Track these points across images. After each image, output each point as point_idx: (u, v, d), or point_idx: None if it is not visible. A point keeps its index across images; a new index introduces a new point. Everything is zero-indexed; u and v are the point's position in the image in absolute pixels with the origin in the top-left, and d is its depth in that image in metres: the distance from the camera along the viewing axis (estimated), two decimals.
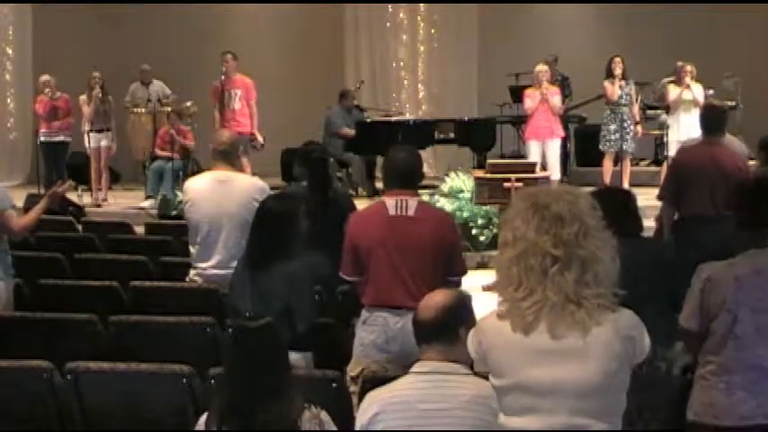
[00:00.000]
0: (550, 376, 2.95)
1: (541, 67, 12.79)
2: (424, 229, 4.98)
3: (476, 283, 9.30)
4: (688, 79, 12.62)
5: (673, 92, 12.73)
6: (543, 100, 12.52)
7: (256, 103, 13.31)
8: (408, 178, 5.11)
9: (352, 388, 4.74)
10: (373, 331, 5.00)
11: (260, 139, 12.97)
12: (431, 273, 4.94)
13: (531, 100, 12.65)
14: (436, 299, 3.71)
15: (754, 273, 4.14)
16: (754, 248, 4.22)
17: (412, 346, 4.82)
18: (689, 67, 12.68)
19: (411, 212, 5.00)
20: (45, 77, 13.80)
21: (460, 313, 3.61)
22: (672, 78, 12.98)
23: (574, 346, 2.95)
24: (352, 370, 4.98)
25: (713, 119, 7.47)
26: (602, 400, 2.98)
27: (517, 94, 14.73)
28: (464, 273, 5.12)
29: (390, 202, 5.04)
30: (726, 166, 7.16)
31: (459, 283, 5.03)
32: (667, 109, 13.05)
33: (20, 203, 7.36)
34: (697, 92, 12.51)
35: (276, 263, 5.09)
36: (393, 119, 14.55)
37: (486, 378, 3.50)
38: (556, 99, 12.66)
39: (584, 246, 2.98)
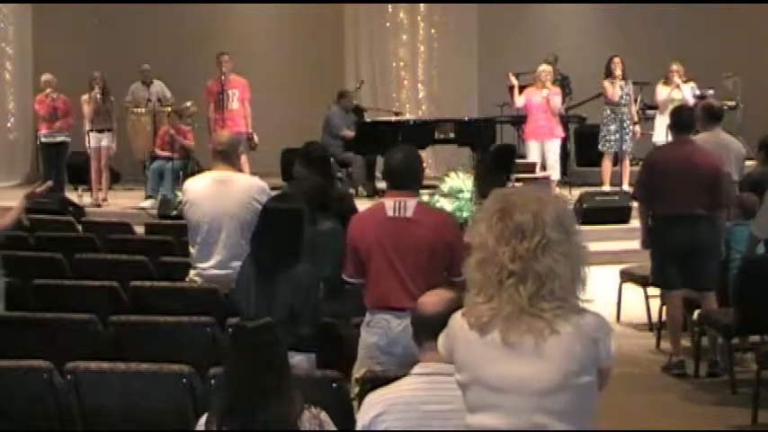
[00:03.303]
0: (508, 373, 2.94)
1: (546, 68, 12.81)
2: (423, 231, 4.97)
3: None
4: (677, 79, 12.61)
5: (662, 92, 12.71)
6: (545, 100, 12.54)
7: (255, 102, 13.36)
8: (407, 179, 5.08)
9: (357, 390, 4.73)
10: (375, 333, 4.99)
11: (255, 138, 13.03)
12: (431, 274, 4.92)
13: (525, 98, 12.71)
14: (436, 297, 3.71)
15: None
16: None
17: (415, 348, 4.83)
18: (675, 67, 12.66)
19: (409, 213, 4.98)
20: (47, 77, 13.79)
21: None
22: (663, 79, 12.95)
23: (527, 347, 2.93)
24: (357, 372, 4.98)
25: (682, 119, 7.53)
26: (565, 401, 2.94)
27: (514, 92, 14.73)
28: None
29: (389, 203, 5.03)
30: (699, 165, 7.19)
31: (462, 284, 5.02)
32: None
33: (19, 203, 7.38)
34: (686, 92, 12.51)
35: (283, 265, 5.09)
36: (393, 119, 14.55)
37: None
38: (556, 100, 12.69)
39: (542, 261, 2.93)
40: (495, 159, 6.55)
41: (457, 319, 3.08)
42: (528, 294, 2.93)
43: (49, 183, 6.86)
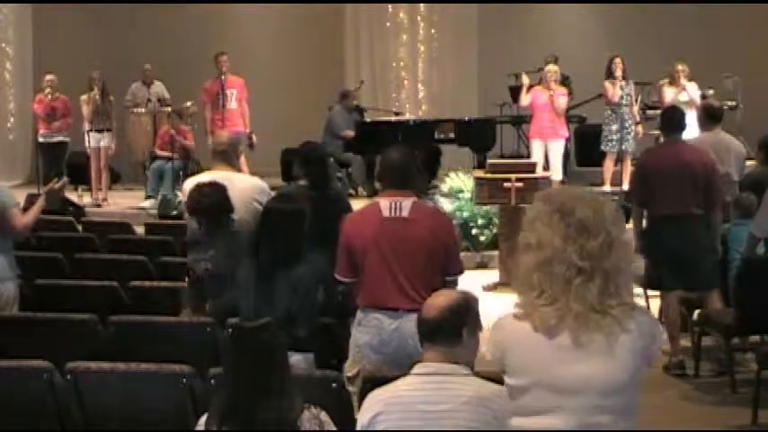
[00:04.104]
0: (576, 374, 2.97)
1: (552, 68, 12.81)
2: (419, 230, 4.98)
3: (476, 283, 9.34)
4: (683, 80, 12.60)
5: (668, 93, 12.71)
6: (550, 100, 12.54)
7: (255, 102, 13.36)
8: (402, 179, 5.10)
9: (350, 388, 4.75)
10: (368, 332, 5.00)
11: (254, 138, 13.04)
12: (426, 273, 4.94)
13: (531, 98, 12.69)
14: (442, 298, 3.71)
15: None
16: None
17: (407, 348, 4.85)
18: (680, 67, 12.64)
19: (405, 213, 4.99)
20: (50, 77, 13.76)
21: (465, 315, 3.60)
22: (668, 80, 12.96)
23: (598, 345, 2.97)
24: (349, 370, 5.00)
25: (672, 119, 7.53)
26: (625, 398, 3.00)
27: (518, 93, 14.74)
28: (461, 272, 5.12)
29: (384, 203, 5.04)
30: (691, 164, 7.18)
31: (456, 283, 5.02)
32: None
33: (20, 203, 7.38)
34: (692, 92, 12.49)
35: (283, 266, 5.09)
36: (393, 119, 14.54)
37: (488, 379, 3.51)
38: (561, 100, 12.66)
39: (609, 258, 2.99)
40: (423, 161, 6.54)
41: (511, 323, 3.08)
42: (597, 291, 2.96)
43: (65, 179, 6.89)
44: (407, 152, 5.29)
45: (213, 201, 5.87)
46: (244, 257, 5.71)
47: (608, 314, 2.97)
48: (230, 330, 4.84)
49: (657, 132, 13.50)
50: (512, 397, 3.07)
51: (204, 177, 6.79)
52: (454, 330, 3.54)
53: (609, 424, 2.97)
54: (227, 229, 5.90)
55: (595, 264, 2.97)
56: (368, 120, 14.63)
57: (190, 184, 6.81)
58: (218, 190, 5.96)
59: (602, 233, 2.99)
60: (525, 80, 13.27)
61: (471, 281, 8.44)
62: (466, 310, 3.61)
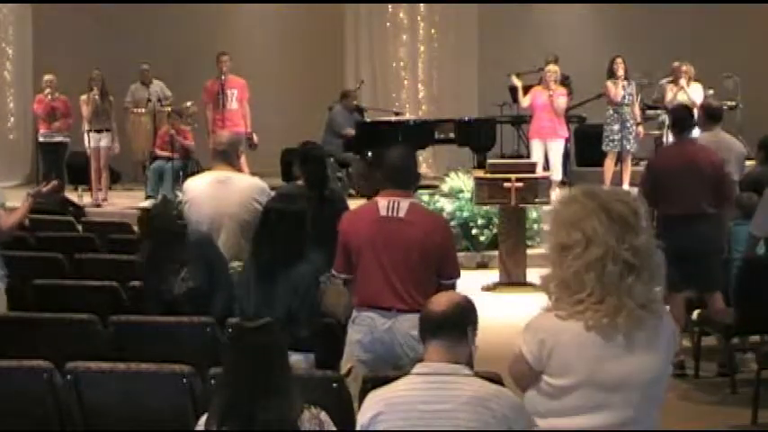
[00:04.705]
0: (624, 369, 3.05)
1: (552, 68, 12.83)
2: (414, 231, 4.98)
3: (476, 283, 9.35)
4: (683, 81, 12.59)
5: (669, 93, 12.72)
6: (550, 100, 12.55)
7: (255, 102, 13.37)
8: (401, 179, 5.10)
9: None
10: (360, 331, 5.03)
11: (255, 138, 13.04)
12: (419, 275, 4.95)
13: (530, 98, 12.70)
14: (448, 296, 3.72)
15: None
16: None
17: (398, 347, 4.87)
18: (684, 68, 12.64)
19: (402, 214, 5.00)
20: (49, 77, 13.76)
21: (470, 314, 3.60)
22: (671, 78, 12.98)
23: (644, 340, 3.06)
24: (342, 368, 5.03)
25: (681, 119, 7.53)
26: (659, 389, 3.12)
27: (517, 94, 14.73)
28: (457, 276, 5.11)
29: (383, 202, 5.05)
30: (701, 164, 7.19)
31: (453, 286, 5.02)
32: (667, 109, 13.05)
33: (19, 203, 7.34)
34: (694, 93, 12.46)
35: (284, 266, 5.10)
36: (393, 119, 14.54)
37: (488, 379, 3.51)
38: (561, 100, 12.66)
39: (654, 255, 3.10)
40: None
41: (555, 323, 3.11)
42: (646, 288, 3.06)
43: (55, 182, 6.85)
44: (407, 152, 5.30)
45: (165, 221, 5.85)
46: (215, 261, 5.72)
47: (651, 310, 3.08)
48: (230, 330, 4.84)
49: (658, 132, 13.57)
50: (552, 397, 3.10)
51: (204, 178, 6.80)
52: (460, 326, 3.53)
53: (648, 415, 3.08)
54: (186, 242, 5.85)
55: (644, 261, 3.05)
56: (368, 120, 14.63)
57: (190, 184, 6.83)
58: (163, 208, 5.97)
59: (644, 231, 3.08)
60: (517, 82, 13.28)
61: (471, 281, 8.46)
62: (470, 311, 3.62)
